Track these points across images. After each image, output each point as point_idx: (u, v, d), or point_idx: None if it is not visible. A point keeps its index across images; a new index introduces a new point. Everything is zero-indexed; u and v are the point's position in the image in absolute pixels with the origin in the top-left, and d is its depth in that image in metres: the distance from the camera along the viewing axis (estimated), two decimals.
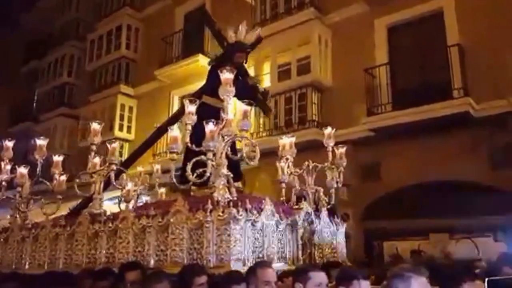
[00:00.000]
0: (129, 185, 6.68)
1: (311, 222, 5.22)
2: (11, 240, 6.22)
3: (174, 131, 4.82)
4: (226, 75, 4.82)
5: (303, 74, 11.60)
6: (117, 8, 17.86)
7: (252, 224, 4.49)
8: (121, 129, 16.38)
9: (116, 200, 7.03)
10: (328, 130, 6.13)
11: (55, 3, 21.04)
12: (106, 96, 17.03)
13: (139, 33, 17.62)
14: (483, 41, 9.45)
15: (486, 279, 2.25)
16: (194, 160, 4.65)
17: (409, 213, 9.59)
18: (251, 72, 12.75)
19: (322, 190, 5.87)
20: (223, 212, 4.31)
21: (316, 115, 11.35)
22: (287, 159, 5.88)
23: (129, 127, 16.67)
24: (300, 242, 5.00)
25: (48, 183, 6.33)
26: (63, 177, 6.23)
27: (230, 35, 6.32)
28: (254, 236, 4.50)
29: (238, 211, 4.31)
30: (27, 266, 5.82)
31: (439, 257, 9.07)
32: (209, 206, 4.37)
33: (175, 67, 15.03)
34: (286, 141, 5.98)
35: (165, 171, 7.56)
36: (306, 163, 5.91)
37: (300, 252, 4.98)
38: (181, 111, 6.58)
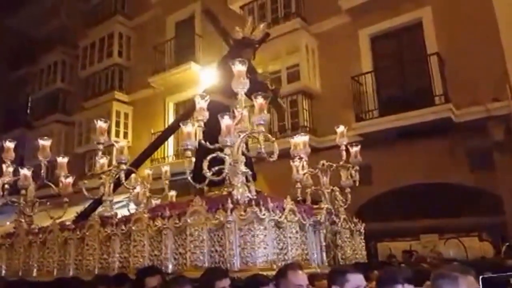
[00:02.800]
0: (138, 188, 6.30)
1: (333, 223, 4.84)
2: (17, 245, 5.77)
3: (188, 126, 4.38)
4: (239, 67, 4.42)
5: (293, 82, 11.59)
6: (108, 15, 17.48)
7: (276, 225, 4.10)
8: (117, 135, 15.91)
9: (120, 204, 6.62)
10: (341, 129, 5.81)
11: (41, 8, 20.34)
12: (101, 103, 16.64)
13: (131, 41, 17.27)
14: (460, 51, 9.52)
15: (480, 277, 1.97)
16: (210, 157, 4.23)
17: (400, 215, 9.65)
18: None
19: (338, 190, 5.48)
20: (245, 211, 3.92)
21: (307, 121, 11.39)
22: (301, 158, 5.50)
23: (125, 133, 16.23)
24: (323, 243, 4.61)
25: (53, 186, 5.86)
26: (69, 180, 5.78)
27: (237, 32, 5.93)
28: (278, 238, 4.11)
29: (260, 210, 3.92)
30: (35, 273, 5.37)
31: (430, 257, 8.96)
32: (229, 205, 3.98)
33: (169, 75, 14.86)
34: (300, 139, 5.61)
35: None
36: (321, 162, 5.53)
37: (324, 254, 4.59)
38: (191, 109, 6.19)
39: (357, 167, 5.60)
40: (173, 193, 7.25)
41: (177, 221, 4.26)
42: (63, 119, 18.27)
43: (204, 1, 14.82)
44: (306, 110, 11.49)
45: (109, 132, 15.38)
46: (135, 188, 6.11)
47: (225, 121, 4.14)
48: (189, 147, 4.32)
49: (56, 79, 18.80)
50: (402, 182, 9.71)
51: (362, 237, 5.63)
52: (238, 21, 12.64)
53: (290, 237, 4.23)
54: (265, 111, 4.25)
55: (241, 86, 4.33)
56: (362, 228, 5.63)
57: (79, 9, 18.85)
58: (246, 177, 4.33)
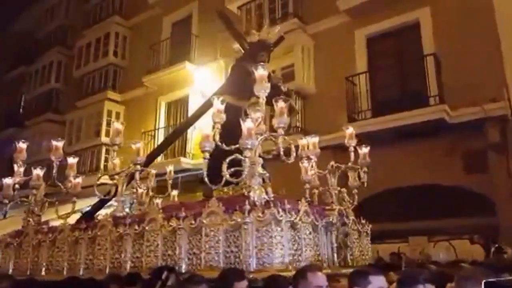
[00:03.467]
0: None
1: (344, 224, 4.84)
2: (25, 244, 5.66)
3: (206, 129, 4.37)
4: (261, 71, 4.42)
5: (287, 82, 11.37)
6: (106, 16, 17.44)
7: (291, 226, 4.09)
8: (108, 135, 15.80)
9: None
10: (350, 130, 5.78)
11: (42, 10, 20.44)
12: (93, 102, 16.53)
13: (127, 40, 17.19)
14: (457, 52, 9.42)
15: (483, 281, 1.99)
16: (229, 158, 4.22)
17: (388, 217, 9.35)
18: None
19: (345, 191, 5.48)
20: (263, 212, 3.91)
21: (300, 121, 11.27)
22: (310, 159, 5.48)
23: None
24: (335, 244, 4.61)
25: (61, 186, 5.80)
26: (79, 179, 5.72)
27: (252, 34, 5.92)
28: (293, 239, 4.10)
29: (278, 212, 3.92)
30: (43, 272, 5.28)
31: (419, 259, 8.89)
32: (247, 207, 3.96)
33: (163, 74, 14.77)
34: (309, 141, 5.59)
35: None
36: (331, 163, 5.52)
37: (335, 255, 4.59)
38: (204, 109, 6.17)
39: (365, 169, 5.59)
40: (175, 192, 7.20)
41: (193, 222, 4.23)
42: (55, 119, 18.17)
43: (202, 1, 14.94)
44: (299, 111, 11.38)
45: (99, 131, 15.63)
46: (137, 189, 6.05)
47: (247, 124, 4.13)
48: (207, 148, 4.31)
49: (50, 79, 18.73)
50: (394, 184, 9.50)
51: (369, 238, 5.62)
52: (234, 20, 12.89)
53: (304, 238, 4.22)
54: (285, 115, 4.24)
55: (263, 90, 4.32)
56: (369, 229, 5.63)
57: (78, 10, 18.80)
58: (263, 179, 4.33)
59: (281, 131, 4.24)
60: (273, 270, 3.73)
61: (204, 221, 4.17)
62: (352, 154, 5.65)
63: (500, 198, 8.48)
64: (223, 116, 4.53)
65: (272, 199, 4.20)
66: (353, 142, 5.70)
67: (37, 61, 19.56)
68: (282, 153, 4.24)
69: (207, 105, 6.01)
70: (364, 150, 5.65)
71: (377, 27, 10.97)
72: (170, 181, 6.79)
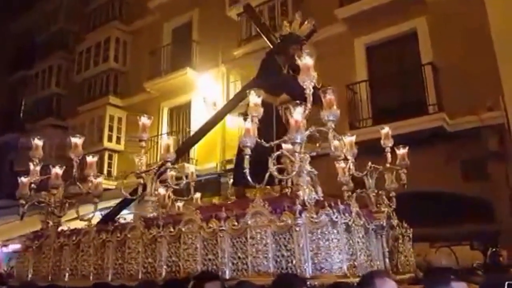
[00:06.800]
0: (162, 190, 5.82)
1: (392, 227, 4.42)
2: (46, 248, 5.15)
3: (248, 122, 3.95)
4: (307, 60, 4.01)
5: None
6: (106, 21, 16.96)
7: (346, 229, 3.66)
8: (110, 139, 15.45)
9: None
10: (386, 130, 5.41)
11: (42, 13, 19.81)
12: (95, 107, 16.04)
13: (127, 46, 16.73)
14: (454, 61, 9.31)
15: (507, 283, 1.66)
16: (276, 154, 3.82)
17: None
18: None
19: (384, 193, 5.08)
20: (317, 213, 3.49)
21: None
22: (347, 159, 5.09)
23: (118, 138, 15.66)
24: (386, 249, 4.18)
25: (81, 186, 5.33)
26: (100, 179, 5.26)
27: (284, 27, 5.55)
28: (348, 243, 3.67)
29: (333, 213, 3.50)
30: (67, 278, 4.77)
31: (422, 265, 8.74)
32: (298, 207, 3.54)
33: (165, 80, 14.46)
34: (346, 140, 5.20)
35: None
36: (369, 163, 5.12)
37: (387, 260, 4.16)
38: (235, 101, 5.76)
39: (404, 170, 5.20)
40: (198, 195, 6.80)
41: (236, 223, 3.79)
42: (57, 123, 17.59)
43: (202, 8, 14.64)
44: None
45: (101, 136, 15.14)
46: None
47: (295, 116, 3.71)
48: (248, 144, 3.89)
49: (51, 83, 18.17)
50: (396, 190, 9.38)
51: (411, 243, 5.22)
52: (234, 27, 12.72)
53: (358, 242, 3.80)
54: (335, 107, 3.84)
55: (310, 79, 3.91)
56: (411, 234, 5.23)
57: (77, 13, 18.28)
58: (311, 177, 3.91)
59: (331, 124, 3.83)
60: (332, 277, 3.31)
61: (249, 222, 3.74)
62: (389, 155, 5.27)
63: (500, 204, 8.46)
64: (261, 110, 4.12)
65: (322, 198, 3.79)
66: (389, 143, 5.33)
67: (37, 64, 18.92)
68: (333, 148, 3.84)
69: (238, 98, 5.63)
70: (403, 150, 5.27)
71: (375, 36, 10.96)
72: (193, 183, 6.38)
